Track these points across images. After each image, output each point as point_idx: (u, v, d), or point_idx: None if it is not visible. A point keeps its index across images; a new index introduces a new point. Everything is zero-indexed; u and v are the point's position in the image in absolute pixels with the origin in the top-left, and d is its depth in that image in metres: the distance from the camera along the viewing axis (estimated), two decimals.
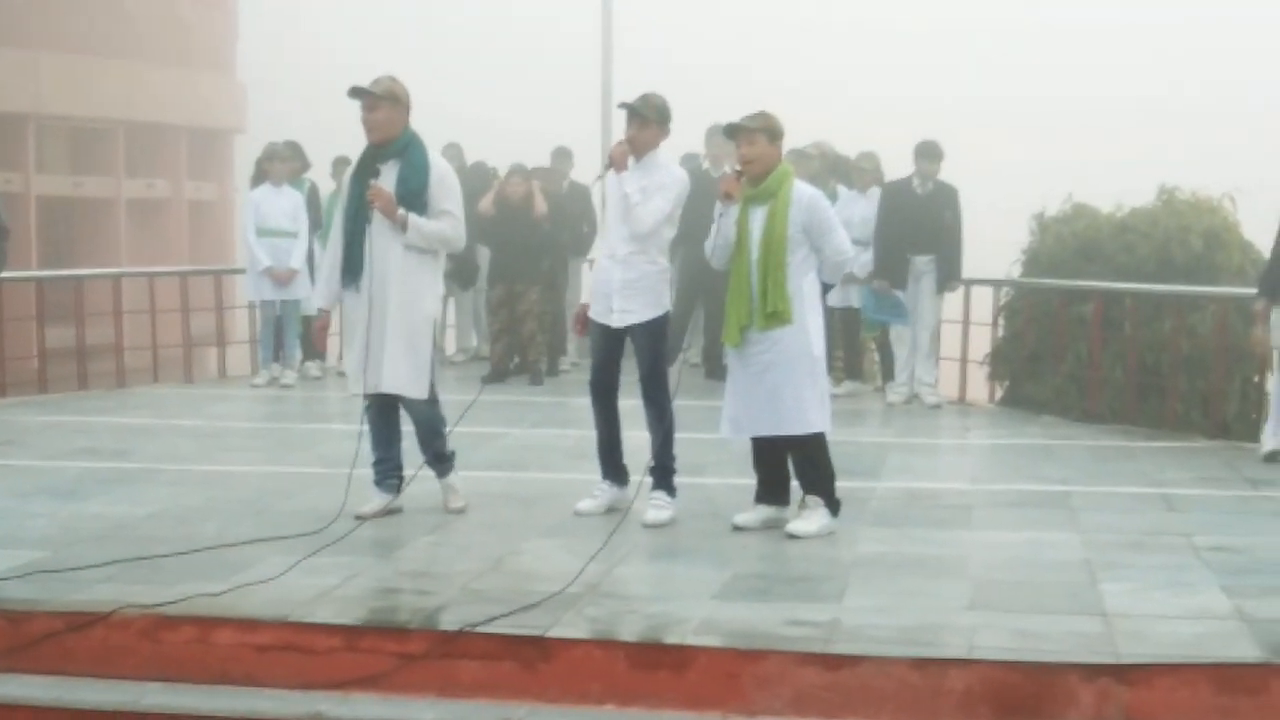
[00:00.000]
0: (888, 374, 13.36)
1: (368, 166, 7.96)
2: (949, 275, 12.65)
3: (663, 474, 8.08)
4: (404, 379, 8.00)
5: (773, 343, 7.61)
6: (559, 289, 14.70)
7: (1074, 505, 8.57)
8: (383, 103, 7.87)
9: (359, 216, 7.94)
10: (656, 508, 8.00)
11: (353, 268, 7.99)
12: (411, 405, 8.14)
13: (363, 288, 7.95)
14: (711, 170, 14.03)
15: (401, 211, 7.83)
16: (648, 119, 7.92)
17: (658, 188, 7.90)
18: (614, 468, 8.23)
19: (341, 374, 8.60)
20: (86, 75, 25.31)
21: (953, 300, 13.10)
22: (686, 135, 14.36)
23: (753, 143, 7.62)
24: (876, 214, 12.58)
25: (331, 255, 8.15)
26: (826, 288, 7.88)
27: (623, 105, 8.05)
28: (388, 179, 7.90)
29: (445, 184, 7.99)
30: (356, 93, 7.87)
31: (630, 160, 7.93)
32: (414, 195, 7.89)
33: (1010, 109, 38.00)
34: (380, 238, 7.91)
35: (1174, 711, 5.49)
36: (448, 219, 7.98)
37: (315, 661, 5.99)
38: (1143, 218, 12.39)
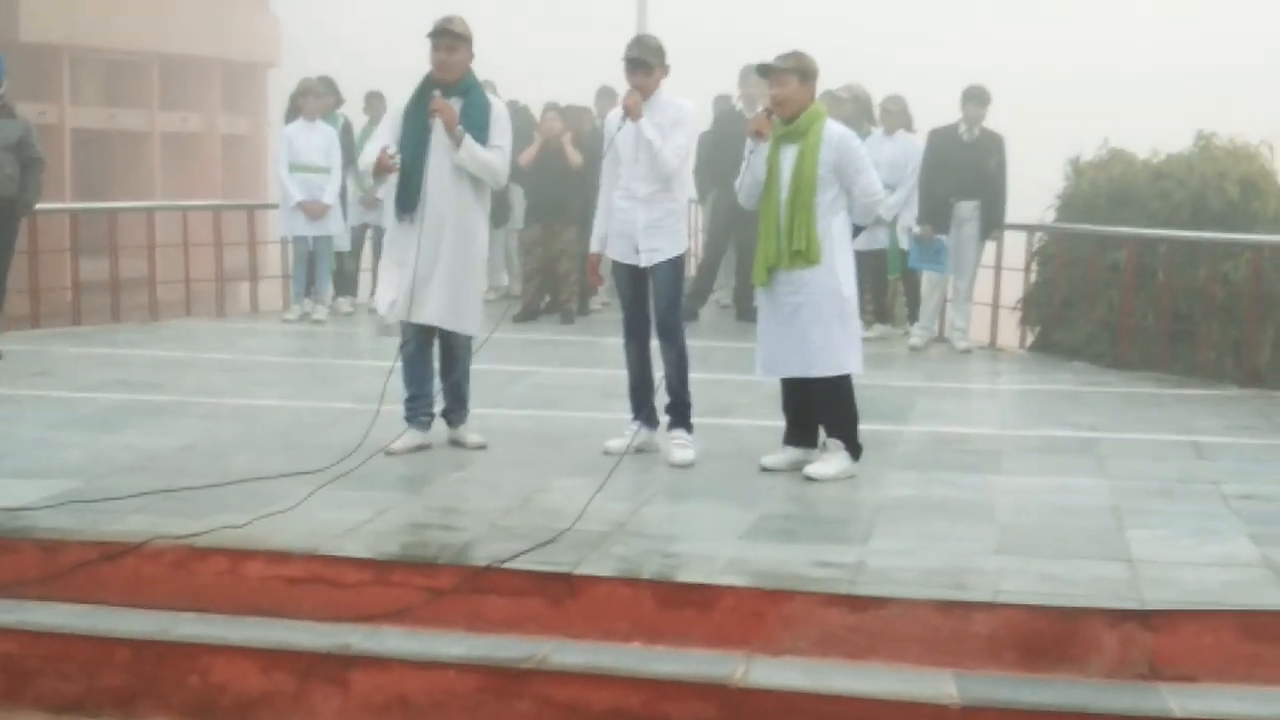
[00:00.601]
0: (913, 316, 13.34)
1: (428, 98, 7.99)
2: (992, 222, 12.62)
3: (680, 411, 8.10)
4: (458, 314, 8.09)
5: (801, 284, 7.59)
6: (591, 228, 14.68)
7: (1103, 452, 8.56)
8: (461, 43, 7.99)
9: (418, 147, 7.96)
10: (680, 447, 8.01)
11: (408, 199, 8.01)
12: (455, 342, 8.19)
13: (416, 219, 7.97)
14: (745, 111, 13.98)
15: (460, 129, 7.89)
16: (651, 65, 7.91)
17: (672, 125, 7.89)
18: (645, 408, 8.25)
19: (373, 310, 8.61)
20: (121, 7, 25.26)
21: (986, 246, 13.06)
22: (721, 81, 14.35)
23: (784, 83, 7.58)
24: (922, 159, 12.54)
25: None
26: (857, 230, 7.83)
27: (623, 59, 8.01)
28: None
29: (500, 123, 8.11)
30: (441, 33, 7.92)
31: (642, 107, 7.92)
32: (477, 132, 7.98)
33: (1050, 79, 37.72)
34: (438, 170, 7.96)
35: (1199, 657, 5.50)
36: (498, 153, 8.07)
37: (344, 594, 6.05)
38: (1179, 164, 12.29)
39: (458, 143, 7.91)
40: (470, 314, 8.16)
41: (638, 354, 8.20)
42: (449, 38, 7.95)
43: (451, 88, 8.00)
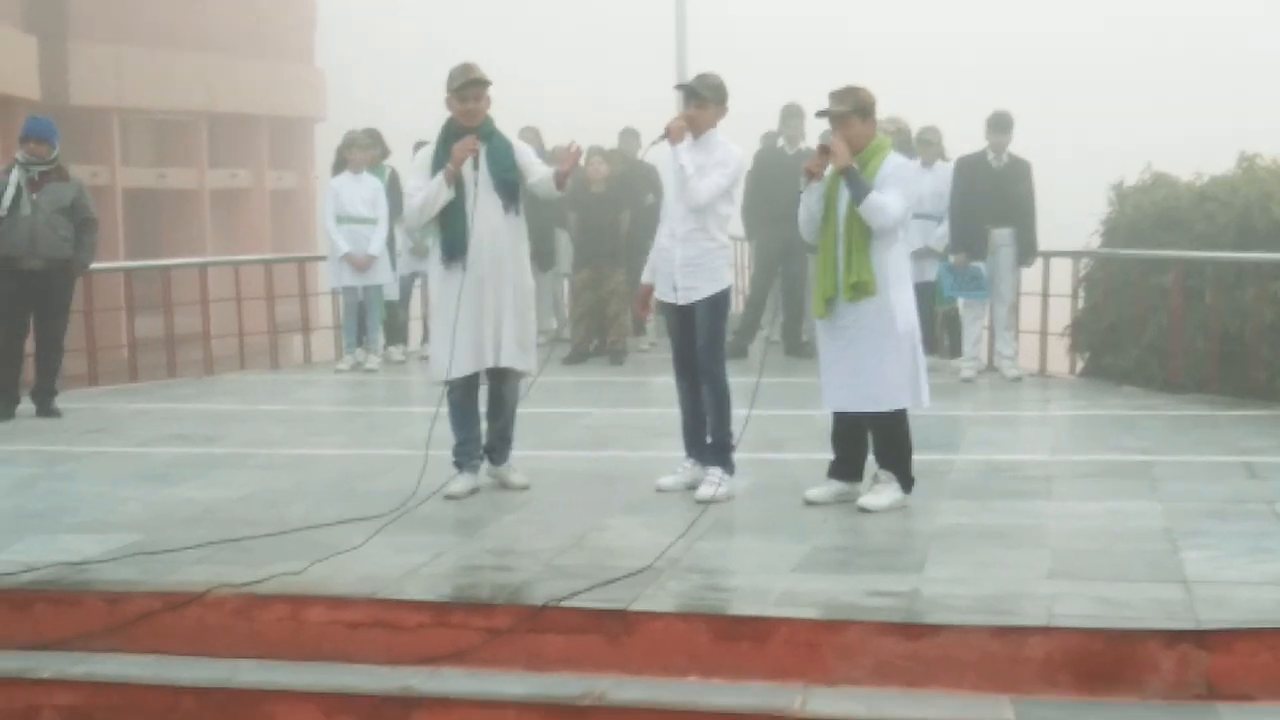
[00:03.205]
0: (955, 350, 13.35)
1: (451, 145, 8.11)
2: (1027, 250, 12.66)
3: (719, 451, 8.12)
4: (519, 352, 8.21)
5: (857, 316, 7.60)
6: (641, 269, 14.80)
7: (1155, 475, 8.55)
8: (486, 90, 8.13)
9: (458, 195, 8.07)
10: (709, 484, 8.00)
11: (455, 246, 8.10)
12: (506, 383, 8.29)
13: (467, 265, 8.05)
14: (787, 148, 14.08)
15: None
16: (705, 99, 7.96)
17: (715, 165, 7.94)
18: (697, 445, 8.29)
19: (425, 358, 8.71)
20: (168, 68, 25.60)
21: (1031, 272, 13.10)
22: (765, 119, 14.45)
23: (848, 124, 7.61)
24: (951, 187, 12.58)
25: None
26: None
27: (679, 86, 8.13)
28: (481, 158, 8.09)
29: (526, 154, 8.28)
30: (472, 84, 8.07)
31: (688, 138, 7.98)
32: (505, 172, 8.11)
33: (1089, 92, 37.60)
34: (484, 213, 8.08)
35: (1255, 676, 5.49)
36: (540, 166, 8.29)
37: (404, 637, 6.11)
38: (1223, 186, 12.27)
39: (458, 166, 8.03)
40: (531, 350, 8.29)
41: (689, 391, 8.24)
42: (478, 87, 8.09)
43: (475, 132, 8.11)
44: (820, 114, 7.78)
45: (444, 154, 8.10)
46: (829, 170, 7.66)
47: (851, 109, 7.61)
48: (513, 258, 8.19)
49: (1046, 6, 39.87)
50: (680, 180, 7.93)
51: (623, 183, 14.28)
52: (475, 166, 8.07)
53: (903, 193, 7.59)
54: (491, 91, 8.19)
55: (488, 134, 8.15)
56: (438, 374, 8.22)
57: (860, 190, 7.48)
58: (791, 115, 14.17)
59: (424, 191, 8.12)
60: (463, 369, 8.13)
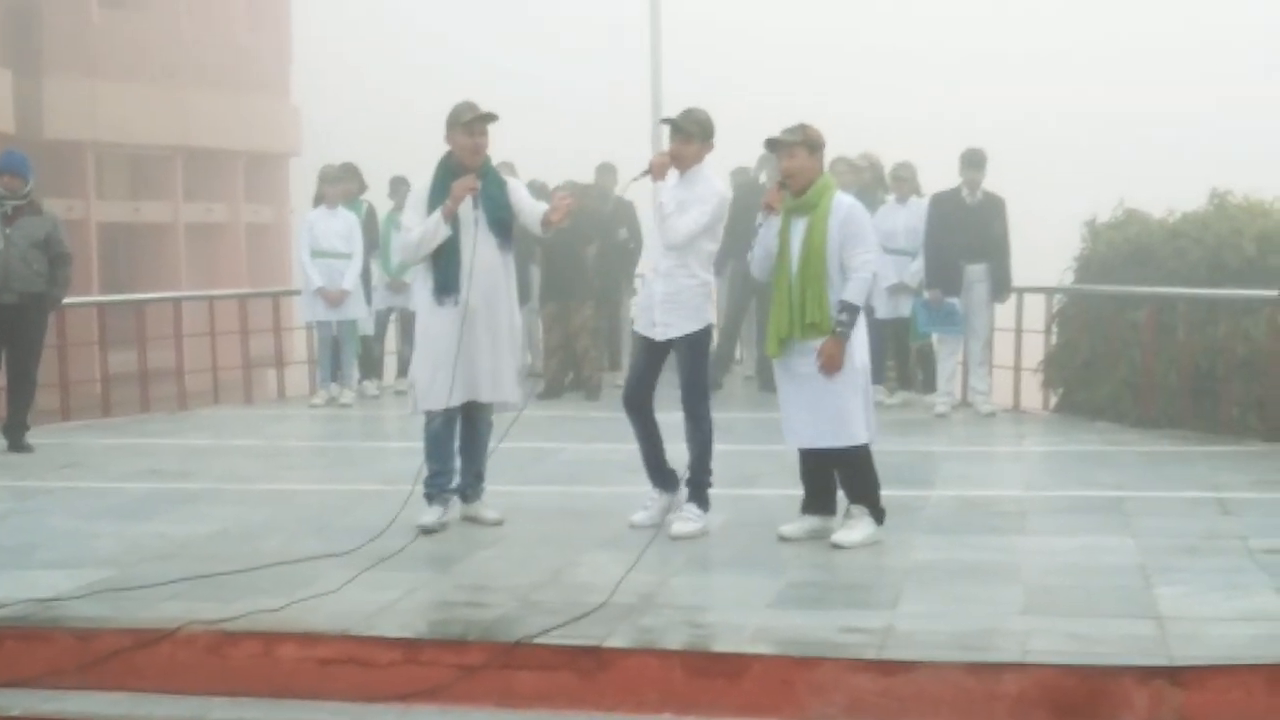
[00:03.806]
0: (929, 385, 13.38)
1: (451, 181, 8.13)
2: (1001, 286, 12.70)
3: (696, 488, 8.11)
4: (507, 387, 8.27)
5: (813, 354, 7.64)
6: (614, 303, 14.83)
7: (1128, 510, 8.58)
8: (490, 126, 8.18)
9: (454, 232, 8.09)
10: (683, 520, 8.01)
11: (449, 283, 8.12)
12: (480, 419, 8.31)
13: (459, 302, 8.07)
14: (766, 183, 14.12)
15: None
16: (690, 134, 7.98)
17: (696, 200, 7.95)
18: (661, 475, 8.28)
19: (401, 392, 8.71)
20: (143, 102, 25.60)
21: (1005, 308, 13.13)
22: (740, 151, 14.50)
23: (793, 156, 7.68)
24: (925, 224, 12.63)
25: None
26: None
27: (665, 120, 8.17)
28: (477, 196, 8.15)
29: (519, 192, 8.37)
30: (482, 119, 8.11)
31: (673, 174, 8.00)
32: (500, 210, 8.17)
33: (1056, 122, 37.86)
34: (481, 250, 8.11)
35: (1229, 713, 5.51)
36: (534, 203, 8.39)
37: (376, 674, 6.09)
38: (1194, 223, 12.33)
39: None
40: (514, 385, 8.35)
41: (640, 425, 8.21)
42: (488, 122, 8.14)
43: (473, 169, 8.14)
44: (769, 140, 7.84)
45: (442, 190, 8.11)
46: (783, 207, 7.71)
47: (800, 140, 7.67)
48: (505, 294, 8.26)
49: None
50: (660, 217, 7.95)
51: (589, 216, 14.27)
52: (475, 205, 8.09)
53: (871, 242, 7.68)
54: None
55: (484, 172, 8.17)
56: (426, 401, 8.20)
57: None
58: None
59: (421, 228, 8.12)
60: (456, 398, 8.13)
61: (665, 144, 8.30)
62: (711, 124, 8.04)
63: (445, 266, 8.12)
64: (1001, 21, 40.87)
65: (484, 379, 8.17)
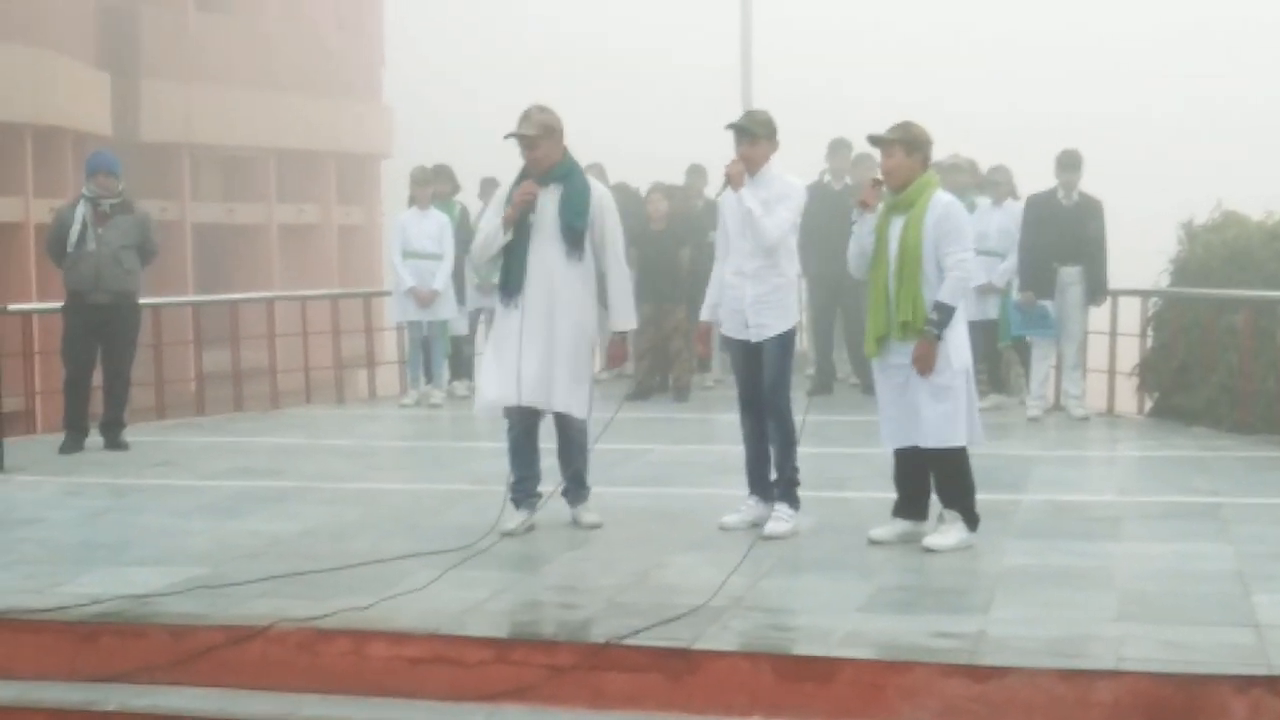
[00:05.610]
0: (1020, 387, 13.26)
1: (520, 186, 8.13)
2: (1097, 288, 12.56)
3: (786, 486, 8.10)
4: (572, 397, 8.15)
5: (910, 354, 7.59)
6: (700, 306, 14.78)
7: (1225, 517, 8.45)
8: (540, 141, 8.05)
9: (519, 233, 8.08)
10: (777, 520, 8.01)
11: (511, 284, 8.14)
12: (569, 423, 8.27)
13: (520, 305, 8.08)
14: (833, 183, 14.07)
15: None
16: (756, 135, 8.00)
17: (777, 199, 7.96)
18: (761, 483, 8.26)
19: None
20: (236, 105, 25.86)
21: (1098, 311, 12.98)
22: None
23: (890, 153, 7.63)
24: (1021, 225, 12.52)
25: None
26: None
27: (729, 126, 8.12)
28: (549, 201, 8.08)
29: (601, 204, 8.20)
30: (517, 138, 8.06)
31: (745, 177, 7.99)
32: (576, 218, 8.09)
33: (1151, 119, 37.31)
34: (542, 254, 8.08)
35: None
36: (614, 269, 8.31)
37: (466, 673, 6.10)
38: None
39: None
40: (579, 396, 8.20)
41: (753, 428, 8.22)
42: (523, 140, 8.07)
43: (549, 174, 8.11)
44: (871, 137, 7.80)
45: (513, 195, 8.14)
46: (881, 204, 7.66)
47: (899, 139, 7.61)
48: (571, 301, 8.14)
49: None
50: (750, 222, 7.92)
51: (683, 219, 14.26)
52: (533, 211, 8.07)
53: (967, 241, 7.60)
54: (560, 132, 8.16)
55: (564, 175, 8.13)
56: (478, 401, 8.35)
57: None
58: (838, 149, 14.16)
59: (483, 232, 8.19)
60: (502, 399, 8.14)
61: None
62: (774, 122, 8.08)
63: (508, 269, 8.16)
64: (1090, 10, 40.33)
65: (542, 387, 8.09)
